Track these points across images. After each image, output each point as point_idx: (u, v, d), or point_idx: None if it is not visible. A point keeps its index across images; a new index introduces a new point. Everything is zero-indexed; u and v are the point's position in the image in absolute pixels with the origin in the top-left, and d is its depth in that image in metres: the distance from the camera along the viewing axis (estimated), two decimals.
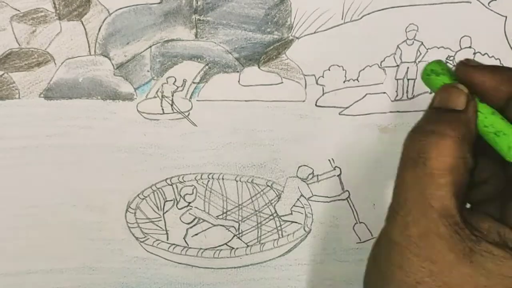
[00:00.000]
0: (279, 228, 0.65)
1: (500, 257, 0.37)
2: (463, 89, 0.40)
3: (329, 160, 0.62)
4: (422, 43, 0.58)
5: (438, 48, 0.59)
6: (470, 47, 0.59)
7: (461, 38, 0.59)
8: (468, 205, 0.43)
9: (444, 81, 0.41)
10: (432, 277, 0.37)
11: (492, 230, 0.39)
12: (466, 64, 0.41)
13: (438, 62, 0.42)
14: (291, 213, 0.64)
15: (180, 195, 0.64)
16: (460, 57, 0.59)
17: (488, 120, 0.40)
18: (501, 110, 0.40)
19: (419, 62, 0.59)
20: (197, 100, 0.60)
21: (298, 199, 0.63)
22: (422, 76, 0.42)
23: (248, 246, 0.65)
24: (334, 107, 0.60)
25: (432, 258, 0.37)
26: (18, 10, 0.57)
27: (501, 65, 0.44)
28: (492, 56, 0.59)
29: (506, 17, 0.58)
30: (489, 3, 0.58)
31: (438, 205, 0.38)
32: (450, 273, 0.37)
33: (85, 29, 0.57)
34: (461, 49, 0.59)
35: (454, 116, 0.40)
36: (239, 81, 0.59)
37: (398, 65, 0.59)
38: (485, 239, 0.38)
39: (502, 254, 0.37)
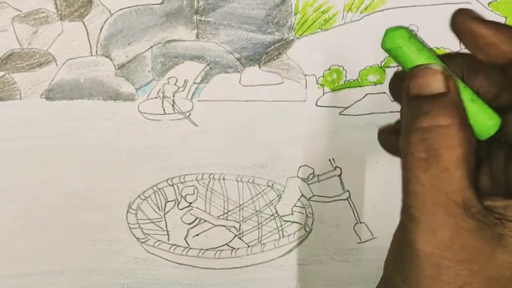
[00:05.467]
0: (279, 228, 0.65)
1: None
2: (437, 68, 0.37)
3: (329, 160, 0.62)
4: None
5: (438, 48, 0.59)
6: None
7: None
8: None
9: (414, 57, 0.38)
10: (474, 277, 0.35)
11: (508, 208, 0.37)
12: (467, 14, 0.38)
13: (402, 30, 0.35)
14: (292, 213, 0.64)
15: (181, 196, 0.64)
16: None
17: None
18: (502, 71, 0.38)
19: None
20: (198, 101, 0.60)
21: (298, 199, 0.64)
22: (385, 46, 0.36)
23: (249, 246, 0.65)
24: (335, 107, 0.60)
25: (469, 258, 0.35)
26: (20, 11, 0.57)
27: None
28: None
29: (506, 17, 0.58)
30: (489, 3, 0.58)
31: (460, 199, 0.35)
32: (489, 266, 0.35)
33: (86, 29, 0.58)
34: (461, 49, 0.59)
35: (443, 101, 0.37)
36: (240, 81, 0.59)
37: (398, 66, 0.59)
38: (506, 219, 0.36)
39: None
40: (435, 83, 0.37)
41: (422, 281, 0.36)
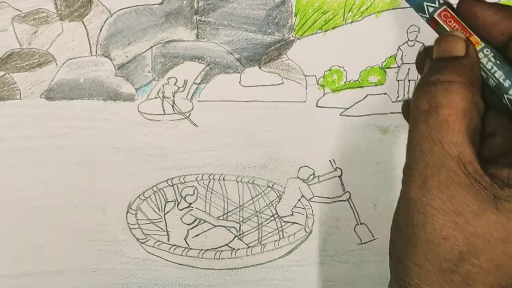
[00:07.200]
0: (280, 229, 0.65)
1: None
2: (460, 35, 0.40)
3: (330, 161, 0.62)
4: (423, 44, 0.58)
5: None
6: None
7: None
8: None
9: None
10: (458, 230, 0.36)
11: (511, 175, 0.38)
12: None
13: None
14: (292, 214, 0.64)
15: (181, 196, 0.64)
16: None
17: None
18: (502, 49, 0.40)
19: None
20: (198, 101, 0.60)
21: (299, 200, 0.63)
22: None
23: (249, 247, 0.65)
24: (335, 108, 0.60)
25: (456, 210, 0.36)
26: (20, 11, 0.57)
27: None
28: None
29: None
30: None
31: (455, 153, 0.36)
32: (476, 223, 0.36)
33: (86, 29, 0.58)
34: None
35: (457, 62, 0.39)
36: (240, 82, 0.59)
37: (399, 66, 0.59)
38: (507, 185, 0.37)
39: None
40: (455, 48, 0.39)
41: (410, 229, 0.37)
